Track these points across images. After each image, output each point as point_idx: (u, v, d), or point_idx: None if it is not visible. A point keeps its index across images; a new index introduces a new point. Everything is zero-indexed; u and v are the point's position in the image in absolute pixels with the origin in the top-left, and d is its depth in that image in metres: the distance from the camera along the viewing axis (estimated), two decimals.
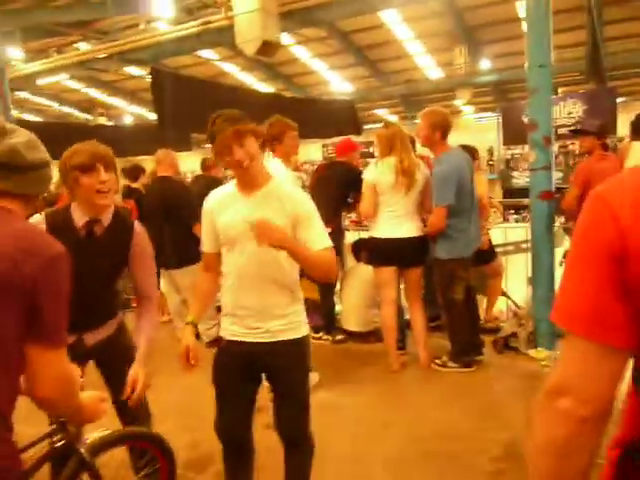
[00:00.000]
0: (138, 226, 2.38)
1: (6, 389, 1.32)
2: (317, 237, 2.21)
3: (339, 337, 5.29)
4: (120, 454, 2.47)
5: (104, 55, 13.04)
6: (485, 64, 17.49)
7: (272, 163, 3.58)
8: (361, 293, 5.25)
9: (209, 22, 10.52)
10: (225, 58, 18.45)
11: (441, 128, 4.30)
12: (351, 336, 5.33)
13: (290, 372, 2.31)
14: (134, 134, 15.28)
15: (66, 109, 26.36)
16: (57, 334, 1.37)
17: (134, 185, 6.06)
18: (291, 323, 2.32)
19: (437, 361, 4.61)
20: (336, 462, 3.17)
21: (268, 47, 9.07)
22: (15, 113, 26.27)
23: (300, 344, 2.34)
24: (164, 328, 5.30)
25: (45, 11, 13.17)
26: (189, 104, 7.93)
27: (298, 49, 18.09)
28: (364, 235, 5.06)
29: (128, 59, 13.92)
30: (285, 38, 15.18)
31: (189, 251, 4.59)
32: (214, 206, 2.35)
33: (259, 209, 2.20)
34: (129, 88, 22.95)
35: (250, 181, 2.25)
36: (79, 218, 2.23)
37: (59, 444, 1.99)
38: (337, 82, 20.73)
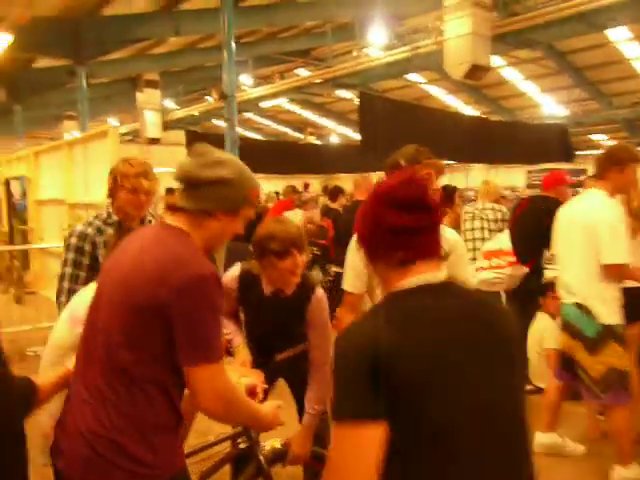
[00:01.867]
0: (319, 293, 2.39)
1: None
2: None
3: None
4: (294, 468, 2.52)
5: (319, 80, 14.09)
6: None
7: None
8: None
9: (419, 47, 10.73)
10: (431, 81, 18.59)
11: None
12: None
13: None
14: (339, 153, 16.25)
15: (281, 128, 29.05)
16: (207, 351, 1.38)
17: (332, 205, 6.38)
18: None
19: None
20: None
21: (476, 70, 8.93)
22: (240, 131, 29.83)
23: None
24: None
25: (274, 42, 14.76)
26: (394, 126, 8.16)
27: (508, 71, 17.46)
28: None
29: (340, 83, 14.90)
30: (495, 60, 14.79)
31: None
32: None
33: None
34: (338, 110, 24.42)
35: None
36: (267, 287, 2.42)
37: (242, 446, 2.14)
38: (550, 105, 19.51)
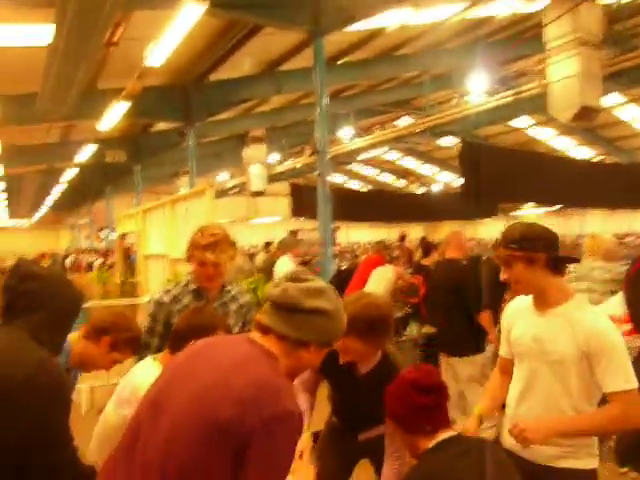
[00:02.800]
0: None
1: None
2: (611, 378, 1.83)
3: None
4: None
5: (420, 129, 14.01)
6: None
7: None
8: None
9: (522, 91, 10.31)
10: (539, 123, 17.83)
11: None
12: None
13: None
14: (440, 201, 15.93)
15: (384, 177, 29.25)
16: None
17: (424, 262, 6.11)
18: (570, 449, 1.92)
19: None
20: None
21: (586, 112, 8.36)
22: (342, 181, 30.46)
23: (575, 476, 1.91)
24: None
25: (374, 94, 15.00)
26: (498, 174, 7.84)
27: (625, 109, 16.31)
28: None
29: (441, 131, 14.71)
30: (610, 98, 13.89)
31: (471, 340, 4.33)
32: (511, 314, 2.20)
33: (548, 331, 1.96)
34: (439, 157, 24.16)
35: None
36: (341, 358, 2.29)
37: None
38: None
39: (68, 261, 19.11)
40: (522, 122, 17.93)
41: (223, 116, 13.51)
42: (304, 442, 2.23)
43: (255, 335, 1.44)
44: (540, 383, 1.98)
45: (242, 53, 9.85)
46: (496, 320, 4.84)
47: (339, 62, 11.43)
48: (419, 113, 15.83)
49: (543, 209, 22.11)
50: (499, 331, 4.42)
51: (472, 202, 8.60)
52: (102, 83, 10.20)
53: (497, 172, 7.89)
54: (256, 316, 1.50)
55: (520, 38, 11.82)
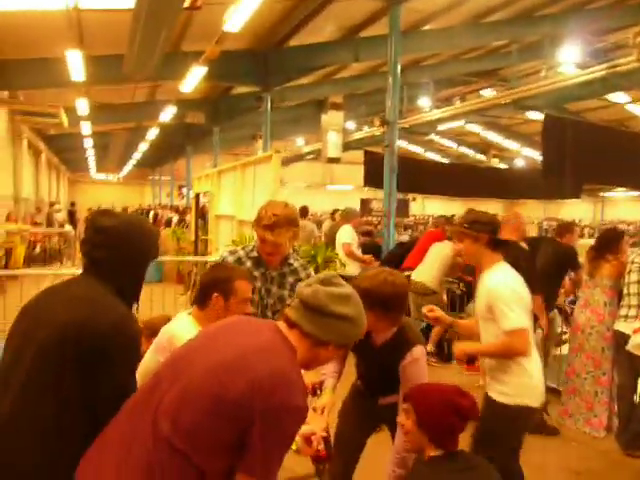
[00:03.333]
0: (416, 352, 2.33)
1: None
2: (501, 321, 2.52)
3: None
4: None
5: (504, 102, 13.38)
6: None
7: None
8: None
9: (617, 65, 9.59)
10: (635, 101, 16.55)
11: None
12: None
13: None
14: (521, 178, 15.25)
15: (464, 150, 28.31)
16: (267, 473, 1.41)
17: None
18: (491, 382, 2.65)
19: None
20: None
21: None
22: (421, 152, 29.80)
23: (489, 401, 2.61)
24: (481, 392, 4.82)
25: (457, 63, 14.45)
26: (584, 152, 7.43)
27: None
28: None
29: (526, 105, 13.98)
30: None
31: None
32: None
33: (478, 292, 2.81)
34: (524, 131, 23.03)
35: None
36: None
37: None
38: None
39: (150, 216, 20.14)
40: (620, 97, 16.66)
41: (301, 81, 13.52)
42: (329, 401, 2.38)
43: (282, 325, 1.55)
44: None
45: (321, 19, 9.77)
46: (551, 306, 4.70)
47: (420, 29, 11.09)
48: (503, 84, 15.12)
49: (633, 192, 20.66)
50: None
51: (553, 181, 8.24)
52: (185, 45, 10.49)
53: (583, 150, 7.48)
54: (286, 309, 1.61)
55: (622, 5, 10.92)
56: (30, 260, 12.35)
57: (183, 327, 2.11)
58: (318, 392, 2.32)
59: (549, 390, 5.01)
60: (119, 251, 1.63)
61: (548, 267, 4.60)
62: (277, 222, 2.57)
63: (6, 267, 10.55)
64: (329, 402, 2.35)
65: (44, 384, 1.45)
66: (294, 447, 1.83)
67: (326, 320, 1.51)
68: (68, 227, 16.11)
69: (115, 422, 1.47)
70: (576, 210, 32.57)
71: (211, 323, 1.98)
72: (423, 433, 1.94)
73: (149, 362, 2.07)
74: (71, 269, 9.91)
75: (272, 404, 1.36)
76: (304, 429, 1.74)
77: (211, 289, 2.15)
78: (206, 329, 1.66)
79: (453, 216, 12.63)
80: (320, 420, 1.77)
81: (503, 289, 2.52)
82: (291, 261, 2.78)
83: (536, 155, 24.07)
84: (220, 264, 2.50)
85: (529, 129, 22.00)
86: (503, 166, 25.32)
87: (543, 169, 7.51)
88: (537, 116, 17.41)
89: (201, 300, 2.19)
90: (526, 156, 25.80)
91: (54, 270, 10.30)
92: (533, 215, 32.03)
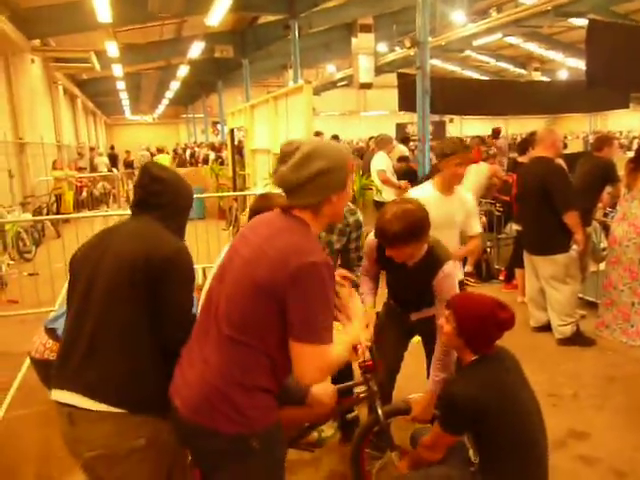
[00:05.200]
0: (447, 268, 2.44)
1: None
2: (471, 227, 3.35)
3: None
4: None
5: (543, 9, 12.59)
6: None
7: None
8: None
9: None
10: None
11: None
12: None
13: None
14: (564, 91, 14.55)
15: (503, 64, 26.98)
16: (313, 333, 1.53)
17: (520, 159, 5.84)
18: None
19: None
20: None
21: None
22: (457, 70, 28.57)
23: None
24: (520, 308, 4.93)
25: None
26: (632, 58, 7.06)
27: None
28: None
29: (568, 11, 13.12)
30: None
31: (554, 240, 4.26)
32: None
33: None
34: (568, 40, 21.69)
35: None
36: None
37: (362, 396, 2.38)
38: None
39: (188, 154, 20.37)
40: None
41: (328, 4, 13.05)
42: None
43: (289, 213, 1.68)
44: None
45: None
46: (588, 221, 4.70)
47: None
48: None
49: None
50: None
51: (598, 91, 7.89)
52: None
53: (631, 56, 7.10)
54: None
55: None
56: (79, 205, 12.87)
57: None
58: (359, 351, 2.52)
59: (587, 304, 5.11)
60: (172, 199, 1.91)
61: (583, 183, 4.57)
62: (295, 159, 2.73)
63: (57, 213, 11.07)
64: (371, 317, 2.53)
65: (120, 304, 1.72)
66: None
67: (308, 187, 1.60)
68: (115, 171, 16.58)
69: (193, 336, 1.73)
70: (625, 121, 30.94)
71: None
72: (461, 339, 2.05)
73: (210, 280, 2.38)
74: (118, 210, 10.37)
75: (290, 273, 1.50)
76: (350, 339, 1.88)
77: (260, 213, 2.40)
78: (239, 232, 1.85)
79: (489, 136, 12.26)
80: (365, 332, 1.94)
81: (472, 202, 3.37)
82: None
83: (581, 65, 22.73)
84: (264, 194, 2.67)
85: (573, 37, 20.70)
86: (545, 79, 24.08)
87: (587, 79, 7.19)
88: (582, 22, 16.35)
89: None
90: (570, 67, 24.44)
91: (103, 212, 10.76)
92: (579, 129, 30.70)
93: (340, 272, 2.28)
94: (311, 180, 1.60)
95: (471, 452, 2.10)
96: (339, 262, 3.03)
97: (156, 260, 1.73)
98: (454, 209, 3.22)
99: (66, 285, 1.92)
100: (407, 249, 2.38)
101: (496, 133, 11.98)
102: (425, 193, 3.18)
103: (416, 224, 2.31)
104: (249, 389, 1.59)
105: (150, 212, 1.88)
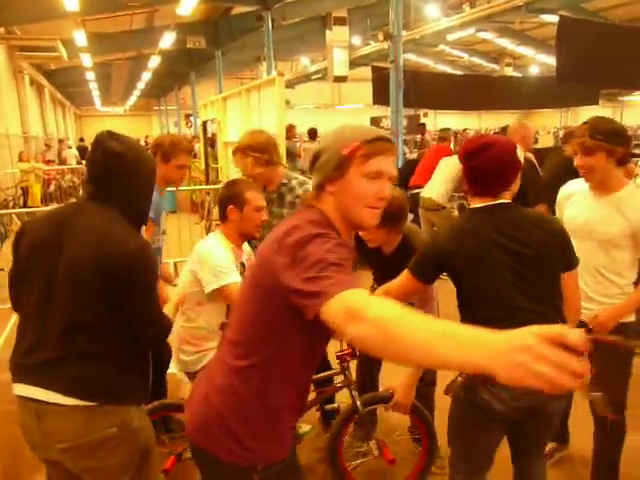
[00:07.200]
0: None
1: None
2: None
3: None
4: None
5: (514, 5, 12.72)
6: None
7: None
8: None
9: None
10: None
11: None
12: None
13: None
14: (534, 86, 14.76)
15: (476, 59, 27.23)
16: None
17: None
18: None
19: None
20: None
21: None
22: (430, 64, 28.73)
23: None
24: None
25: None
26: (602, 55, 7.17)
27: None
28: None
29: (540, 7, 13.28)
30: None
31: None
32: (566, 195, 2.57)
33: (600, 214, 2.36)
34: (539, 36, 22.00)
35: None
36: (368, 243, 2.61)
37: (338, 385, 2.43)
38: None
39: None
40: None
41: None
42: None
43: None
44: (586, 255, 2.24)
45: None
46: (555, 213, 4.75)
47: None
48: None
49: None
50: None
51: (569, 87, 7.98)
52: None
53: (601, 53, 7.22)
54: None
55: None
56: (47, 198, 12.57)
57: (211, 242, 2.43)
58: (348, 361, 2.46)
59: None
60: (132, 177, 1.69)
61: (551, 176, 4.62)
62: (236, 149, 2.88)
63: (24, 206, 10.78)
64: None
65: (84, 309, 1.64)
66: None
67: (316, 168, 1.42)
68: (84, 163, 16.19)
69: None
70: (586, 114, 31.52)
71: (235, 234, 2.42)
72: (494, 185, 1.99)
73: (184, 277, 2.45)
74: None
75: (286, 241, 1.26)
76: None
77: (226, 203, 2.40)
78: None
79: (465, 130, 12.37)
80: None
81: None
82: (285, 181, 2.96)
83: (552, 61, 23.10)
84: (231, 181, 2.68)
85: (544, 33, 20.99)
86: (517, 75, 24.41)
87: (557, 75, 7.29)
88: (553, 19, 16.57)
89: (222, 216, 2.44)
90: (542, 62, 24.80)
91: None
92: (550, 124, 31.17)
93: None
94: (311, 164, 1.43)
95: None
96: None
97: (118, 269, 1.62)
98: (604, 215, 2.33)
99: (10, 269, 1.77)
100: (382, 231, 2.39)
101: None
102: (576, 187, 2.52)
103: (395, 208, 2.32)
104: (257, 427, 1.41)
105: (105, 195, 1.68)
